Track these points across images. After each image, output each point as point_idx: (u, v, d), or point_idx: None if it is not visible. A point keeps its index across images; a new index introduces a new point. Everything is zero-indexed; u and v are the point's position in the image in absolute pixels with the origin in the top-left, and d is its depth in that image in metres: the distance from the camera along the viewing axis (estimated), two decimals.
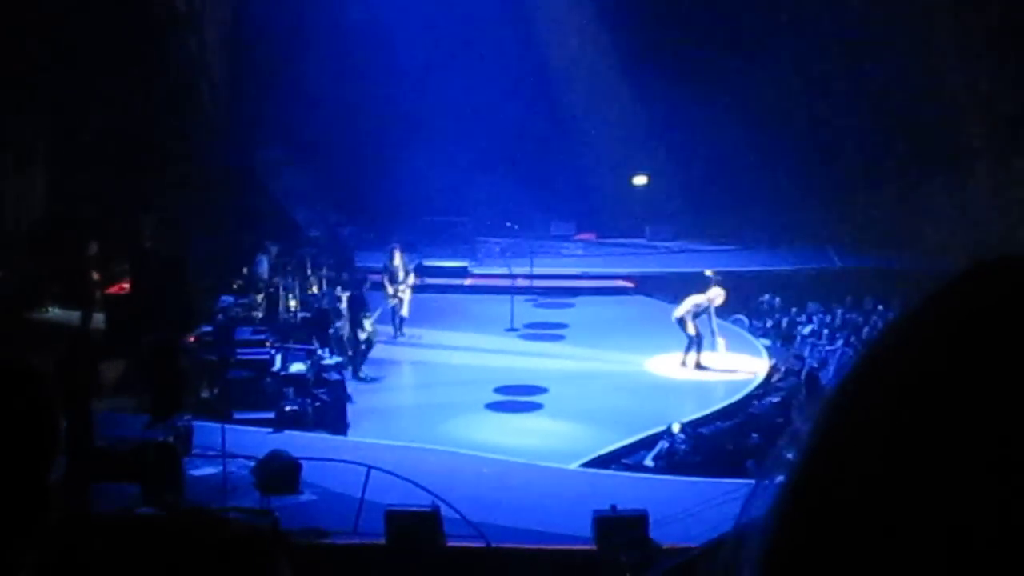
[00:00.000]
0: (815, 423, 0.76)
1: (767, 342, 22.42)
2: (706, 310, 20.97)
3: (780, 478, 0.76)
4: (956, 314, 0.75)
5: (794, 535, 0.75)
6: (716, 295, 21.18)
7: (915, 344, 0.75)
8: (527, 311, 24.30)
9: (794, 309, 24.24)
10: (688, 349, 20.80)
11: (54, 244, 21.41)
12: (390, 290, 22.28)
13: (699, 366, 20.75)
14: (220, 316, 19.35)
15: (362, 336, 20.03)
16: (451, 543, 12.40)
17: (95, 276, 21.07)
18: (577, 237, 30.16)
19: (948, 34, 26.59)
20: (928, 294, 0.77)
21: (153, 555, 1.81)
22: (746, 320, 23.80)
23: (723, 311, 22.58)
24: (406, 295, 22.30)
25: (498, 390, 19.48)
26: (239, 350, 18.51)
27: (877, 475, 0.71)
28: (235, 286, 21.60)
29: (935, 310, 0.76)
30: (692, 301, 20.94)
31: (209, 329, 19.29)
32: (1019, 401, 0.70)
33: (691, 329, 20.73)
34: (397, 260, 22.75)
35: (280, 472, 14.30)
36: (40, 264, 21.37)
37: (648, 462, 16.84)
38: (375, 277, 23.69)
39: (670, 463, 16.70)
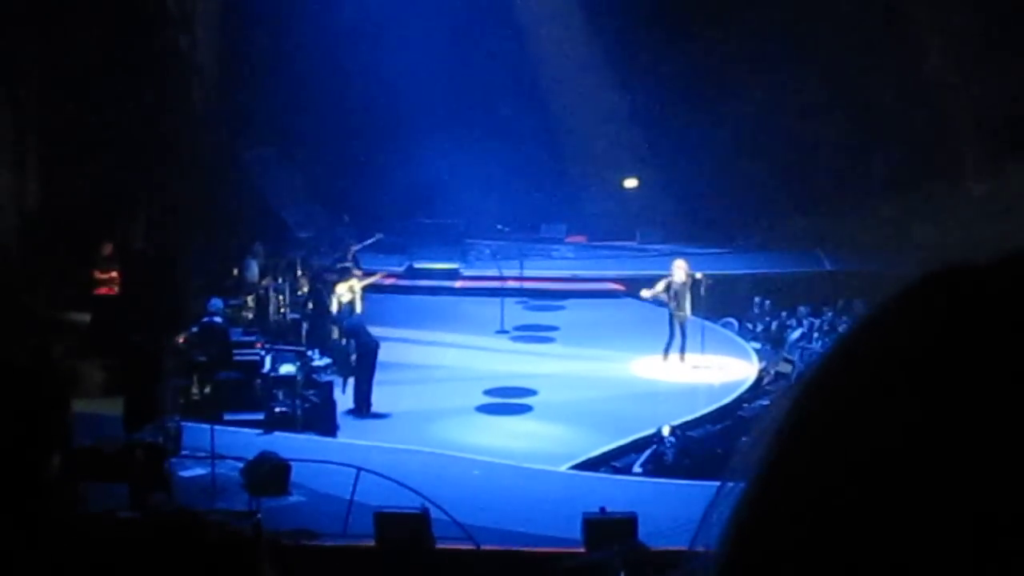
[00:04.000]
0: (776, 429, 0.76)
1: (757, 345, 22.41)
2: (672, 289, 20.81)
3: (742, 483, 0.76)
4: (904, 328, 0.75)
5: (754, 544, 0.74)
6: (677, 268, 21.05)
7: (867, 356, 0.75)
8: (517, 313, 24.28)
9: (784, 312, 24.23)
10: (668, 346, 20.75)
11: (51, 244, 21.30)
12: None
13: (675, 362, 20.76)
14: (216, 319, 19.16)
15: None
16: (440, 545, 12.39)
17: (99, 275, 20.90)
18: (567, 240, 30.15)
19: (940, 39, 26.65)
20: (877, 307, 0.78)
21: (134, 559, 1.77)
22: (736, 323, 23.79)
23: (713, 314, 22.54)
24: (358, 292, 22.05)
25: (488, 392, 19.45)
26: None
27: (840, 481, 0.71)
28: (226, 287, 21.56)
29: (882, 326, 0.77)
30: (660, 286, 20.92)
31: (195, 330, 19.22)
32: (973, 412, 0.70)
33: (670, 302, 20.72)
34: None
35: (269, 473, 14.29)
36: (35, 263, 21.27)
37: (636, 468, 16.81)
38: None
39: (660, 466, 16.68)
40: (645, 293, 21.14)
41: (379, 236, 25.96)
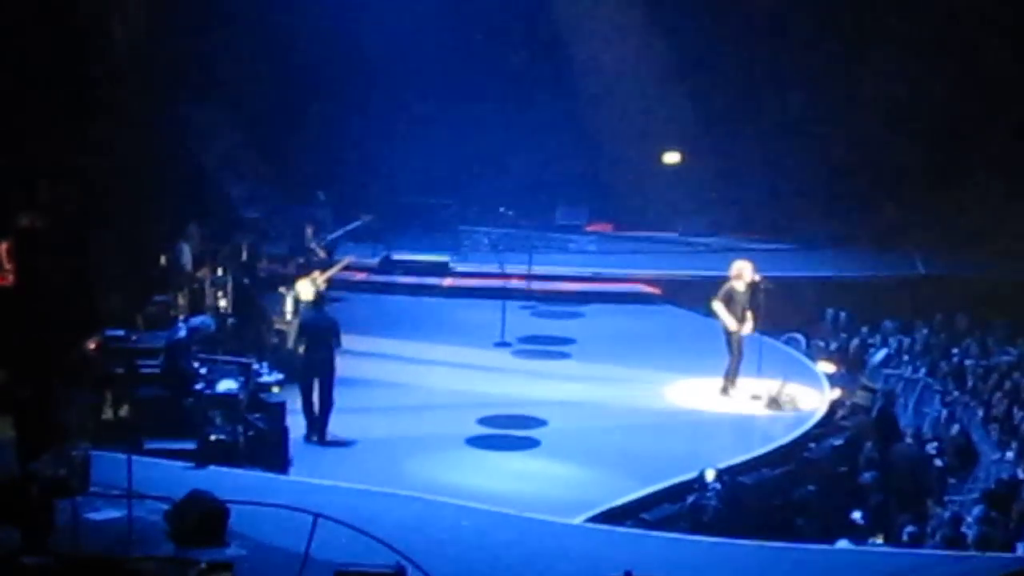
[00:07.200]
0: None
1: (829, 368, 22.39)
2: (734, 298, 20.60)
3: None
4: None
5: None
6: (741, 269, 20.80)
7: None
8: (523, 321, 24.38)
9: (865, 328, 24.25)
10: (728, 370, 20.65)
11: None
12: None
13: (726, 391, 20.64)
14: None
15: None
16: None
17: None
18: (589, 228, 30.26)
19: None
20: None
21: None
22: (803, 340, 23.81)
23: (774, 328, 22.47)
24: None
25: (483, 421, 19.48)
26: (147, 362, 18.39)
27: None
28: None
29: None
30: (721, 294, 20.69)
31: (120, 334, 19.23)
32: None
33: (730, 325, 20.45)
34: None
35: (202, 519, 14.26)
36: None
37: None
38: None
39: (700, 519, 16.68)
40: (719, 310, 20.74)
41: (368, 218, 25.82)
